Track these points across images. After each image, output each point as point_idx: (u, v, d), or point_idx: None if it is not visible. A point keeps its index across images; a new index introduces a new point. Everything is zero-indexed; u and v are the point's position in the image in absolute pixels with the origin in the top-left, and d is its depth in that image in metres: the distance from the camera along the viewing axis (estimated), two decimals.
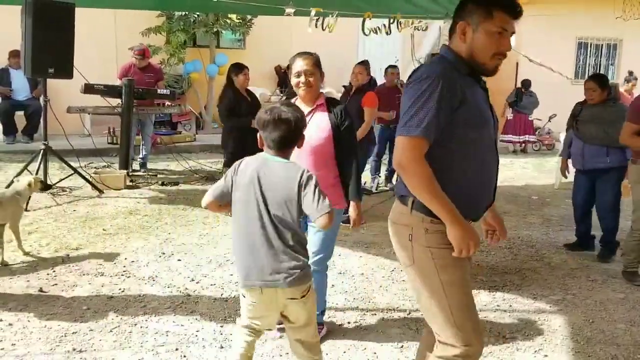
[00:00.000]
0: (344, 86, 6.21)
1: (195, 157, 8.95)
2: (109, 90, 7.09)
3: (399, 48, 13.09)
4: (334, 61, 10.59)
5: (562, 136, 8.44)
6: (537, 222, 6.18)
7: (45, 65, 6.08)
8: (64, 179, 6.82)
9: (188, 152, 9.30)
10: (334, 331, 3.50)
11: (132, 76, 7.44)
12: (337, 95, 11.87)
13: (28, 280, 4.10)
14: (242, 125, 5.66)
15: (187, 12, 10.44)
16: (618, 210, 4.93)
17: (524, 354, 3.30)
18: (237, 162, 2.53)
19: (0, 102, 9.34)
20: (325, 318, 3.67)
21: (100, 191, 6.63)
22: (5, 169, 7.70)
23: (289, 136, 2.47)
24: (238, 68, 5.89)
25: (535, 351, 3.34)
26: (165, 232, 5.38)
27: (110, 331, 3.40)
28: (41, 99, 6.73)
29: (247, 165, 2.49)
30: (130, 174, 7.31)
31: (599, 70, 13.37)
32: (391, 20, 7.49)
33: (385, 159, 7.68)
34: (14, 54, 9.00)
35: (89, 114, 7.99)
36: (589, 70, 13.36)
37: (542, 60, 9.62)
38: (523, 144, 11.66)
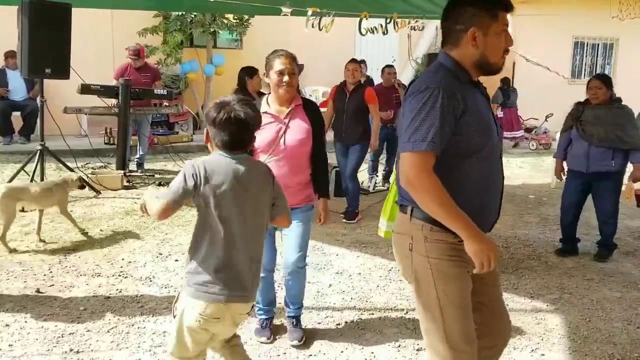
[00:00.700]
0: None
1: (193, 157, 8.93)
2: (105, 91, 7.08)
3: (395, 48, 13.10)
4: (331, 61, 10.61)
5: (559, 135, 8.48)
6: (534, 222, 6.20)
7: (42, 65, 6.06)
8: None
9: (185, 152, 9.29)
10: (331, 331, 3.50)
11: (129, 76, 7.43)
12: None
13: (25, 281, 4.09)
14: None
15: (184, 12, 10.43)
16: (617, 213, 4.88)
17: (521, 353, 3.31)
18: (196, 165, 2.28)
19: None
20: (323, 317, 3.68)
21: (97, 192, 6.62)
22: (2, 169, 7.68)
23: (243, 137, 2.31)
24: (252, 71, 5.74)
25: (532, 350, 3.35)
26: (162, 232, 5.38)
27: (108, 332, 3.40)
28: (38, 99, 6.72)
29: (212, 166, 2.28)
30: (127, 174, 7.30)
31: (595, 70, 13.40)
32: (388, 20, 7.49)
33: (382, 158, 7.68)
34: (10, 54, 8.99)
35: (85, 114, 7.98)
36: (585, 69, 13.40)
37: (539, 59, 9.65)
38: (517, 140, 11.83)
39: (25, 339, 3.27)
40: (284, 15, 6.78)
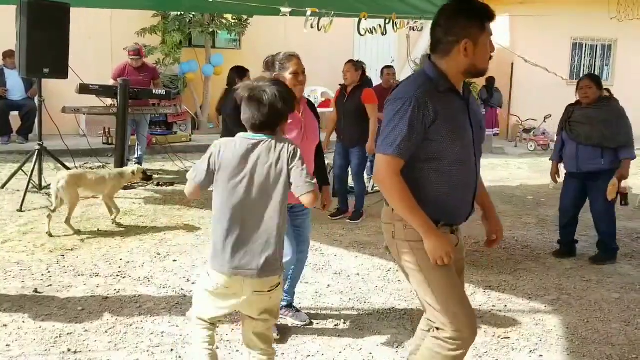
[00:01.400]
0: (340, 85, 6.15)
1: (191, 157, 8.93)
2: (104, 91, 7.07)
3: (394, 48, 13.11)
4: (330, 62, 10.60)
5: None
6: (533, 223, 6.20)
7: (40, 65, 6.06)
8: None
9: (184, 152, 9.27)
10: (330, 331, 3.50)
11: (127, 76, 7.43)
12: (332, 95, 11.90)
13: (23, 281, 4.08)
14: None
15: (182, 12, 10.42)
16: (613, 214, 4.86)
17: (519, 354, 3.31)
18: (215, 145, 2.41)
19: None
20: (322, 318, 3.68)
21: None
22: (0, 169, 7.67)
23: (263, 118, 2.35)
24: (242, 73, 5.72)
25: (531, 351, 3.35)
26: (161, 232, 5.37)
27: (106, 332, 3.39)
28: (36, 99, 6.72)
29: (227, 146, 2.38)
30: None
31: (594, 71, 13.41)
32: (387, 21, 7.49)
33: None
34: (8, 54, 8.97)
35: (84, 114, 7.98)
36: (584, 70, 13.41)
37: (537, 60, 9.64)
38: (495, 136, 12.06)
39: (23, 339, 3.26)
40: (283, 15, 6.78)
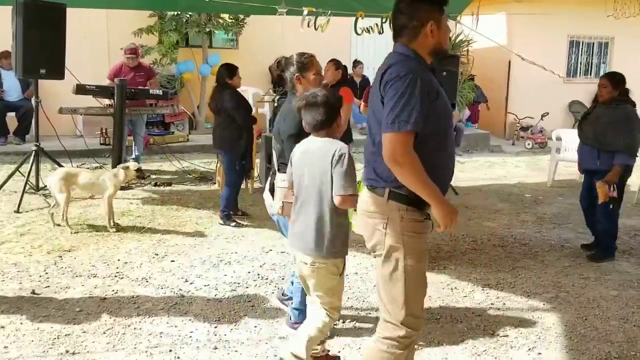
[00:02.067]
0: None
1: (188, 157, 8.93)
2: (101, 91, 7.05)
3: (391, 47, 13.09)
4: (327, 61, 10.58)
5: (555, 134, 8.50)
6: (530, 220, 6.20)
7: (36, 65, 6.04)
8: None
9: (181, 152, 9.26)
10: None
11: (123, 76, 7.41)
12: None
13: (20, 282, 4.07)
14: (249, 125, 5.73)
15: (179, 12, 10.40)
16: (611, 214, 4.80)
17: (517, 352, 3.31)
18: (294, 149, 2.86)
19: None
20: None
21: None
22: None
23: (313, 120, 2.72)
24: (232, 69, 5.69)
25: (529, 349, 3.35)
26: (159, 233, 5.36)
27: (104, 333, 3.39)
28: (33, 99, 6.69)
29: (298, 147, 2.84)
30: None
31: (591, 69, 13.42)
32: (383, 20, 7.49)
33: None
34: (5, 55, 8.94)
35: (81, 114, 7.95)
36: (580, 68, 13.41)
37: (534, 58, 9.63)
38: None
39: (21, 341, 3.26)
40: (280, 14, 6.78)
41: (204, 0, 6.93)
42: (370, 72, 12.07)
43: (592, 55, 13.59)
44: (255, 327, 3.53)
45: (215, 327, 3.50)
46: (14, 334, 3.33)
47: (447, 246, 5.19)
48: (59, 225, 5.32)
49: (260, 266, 4.58)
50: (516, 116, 12.31)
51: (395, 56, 2.33)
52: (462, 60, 11.35)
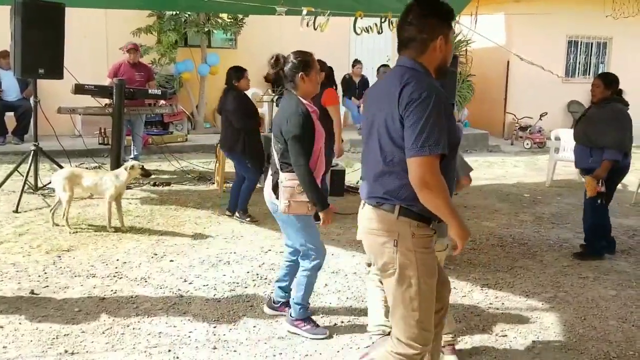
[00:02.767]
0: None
1: (187, 157, 8.93)
2: (99, 91, 7.04)
3: (390, 47, 13.10)
4: (326, 60, 10.58)
5: (554, 134, 8.51)
6: (529, 220, 6.21)
7: (35, 65, 6.04)
8: None
9: (180, 152, 9.27)
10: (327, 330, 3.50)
11: (123, 75, 7.41)
12: None
13: (19, 283, 4.07)
14: (254, 127, 5.73)
15: (178, 12, 10.40)
16: (598, 211, 4.81)
17: (516, 352, 3.31)
18: None
19: None
20: (319, 317, 3.67)
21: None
22: None
23: None
24: (240, 71, 5.69)
25: (528, 348, 3.35)
26: (157, 232, 5.36)
27: (103, 333, 3.39)
28: (31, 99, 6.69)
29: None
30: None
31: (589, 69, 13.44)
32: (382, 20, 7.49)
33: None
34: (3, 55, 8.93)
35: (79, 114, 7.93)
36: (579, 68, 13.43)
37: (533, 58, 9.64)
38: None
39: (20, 341, 3.25)
40: (279, 14, 6.78)
41: (202, 0, 6.93)
42: (369, 71, 12.07)
43: (590, 55, 13.61)
44: (254, 327, 3.53)
45: (214, 327, 3.50)
46: (13, 334, 3.33)
47: None
48: (57, 225, 5.32)
49: (259, 266, 4.58)
50: (515, 116, 12.32)
51: (407, 72, 2.24)
52: (460, 60, 11.36)
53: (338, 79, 11.75)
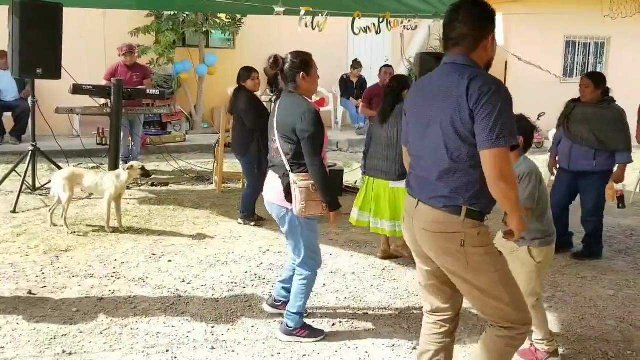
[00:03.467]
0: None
1: (186, 157, 8.92)
2: (97, 91, 7.03)
3: (388, 47, 13.11)
4: (324, 61, 10.57)
5: (551, 134, 8.51)
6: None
7: (33, 65, 6.02)
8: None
9: (178, 152, 9.26)
10: (325, 330, 3.49)
11: (119, 76, 7.39)
12: (328, 95, 11.90)
13: (17, 283, 4.06)
14: (259, 128, 5.67)
15: (176, 12, 10.39)
16: (601, 214, 4.88)
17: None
18: None
19: None
20: (317, 317, 3.67)
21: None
22: None
23: None
24: (249, 72, 5.67)
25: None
26: (156, 233, 5.35)
27: (101, 333, 3.38)
28: (29, 99, 6.68)
29: None
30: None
31: (587, 69, 13.44)
32: (381, 20, 7.50)
33: None
34: (1, 55, 8.91)
35: (77, 114, 7.92)
36: (577, 68, 13.44)
37: (531, 59, 9.64)
38: None
39: (17, 341, 3.25)
40: (277, 14, 6.77)
41: (201, 0, 6.92)
42: (367, 71, 12.08)
43: (588, 56, 13.62)
44: (252, 327, 3.53)
45: (213, 327, 3.50)
46: (11, 334, 3.33)
47: None
48: (55, 225, 5.31)
49: (258, 266, 4.57)
50: None
51: (465, 68, 2.26)
52: None
53: (336, 79, 11.77)
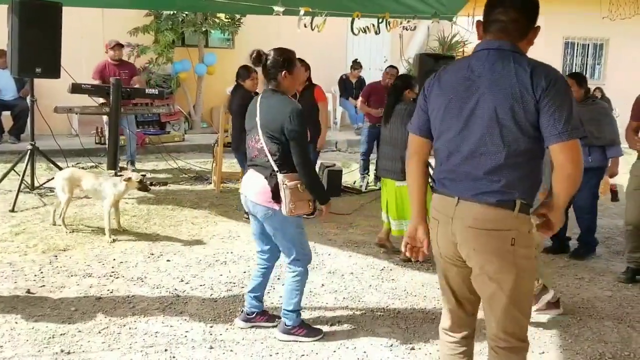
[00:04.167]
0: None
1: (184, 157, 8.92)
2: (96, 90, 7.03)
3: (387, 48, 13.12)
4: (323, 61, 10.59)
5: None
6: None
7: (32, 64, 6.02)
8: (51, 179, 6.75)
9: (177, 152, 9.25)
10: (324, 330, 3.50)
11: (108, 74, 7.37)
12: (327, 95, 11.90)
13: (15, 282, 4.06)
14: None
15: (175, 12, 10.39)
16: (594, 211, 4.95)
17: None
18: None
19: None
20: (316, 317, 3.67)
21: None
22: None
23: None
24: (247, 71, 5.70)
25: None
26: (154, 232, 5.36)
27: (99, 332, 3.38)
28: (28, 98, 6.67)
29: None
30: (119, 174, 7.26)
31: (586, 70, 13.49)
32: (380, 20, 7.51)
33: (373, 158, 7.69)
34: (0, 54, 8.91)
35: (76, 114, 7.92)
36: (575, 69, 13.47)
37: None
38: None
39: (16, 340, 3.25)
40: (276, 14, 6.78)
41: (200, 0, 6.93)
42: (366, 72, 12.08)
43: (587, 57, 13.67)
44: (250, 327, 3.53)
45: (211, 327, 3.50)
46: (9, 333, 3.33)
47: None
48: (56, 224, 5.31)
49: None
50: None
51: (521, 57, 2.11)
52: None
53: (335, 79, 11.76)
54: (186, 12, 10.49)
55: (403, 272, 4.53)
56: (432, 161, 2.38)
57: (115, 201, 5.18)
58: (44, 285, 4.02)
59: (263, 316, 3.52)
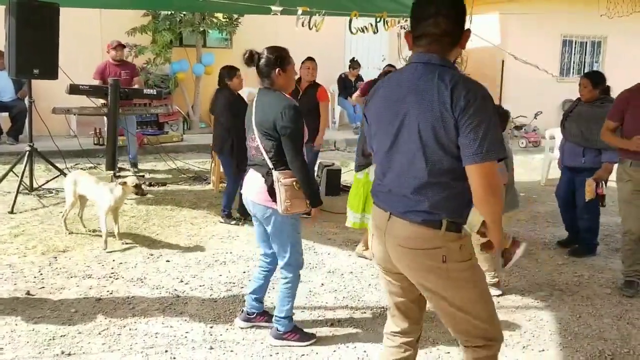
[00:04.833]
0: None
1: (183, 157, 8.92)
2: (94, 91, 7.02)
3: (386, 47, 13.12)
4: (322, 60, 10.56)
5: (548, 133, 8.53)
6: (524, 219, 6.23)
7: (30, 66, 6.02)
8: (50, 180, 6.76)
9: (175, 152, 9.25)
10: (324, 330, 3.50)
11: (109, 74, 7.37)
12: None
13: (15, 284, 4.06)
14: (234, 128, 5.66)
15: (173, 12, 10.38)
16: (594, 211, 4.91)
17: (512, 350, 3.33)
18: None
19: None
20: (316, 316, 3.68)
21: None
22: None
23: None
24: (232, 71, 5.68)
25: (524, 347, 3.37)
26: (153, 233, 5.35)
27: (99, 333, 3.38)
28: (26, 100, 6.66)
29: None
30: (117, 175, 7.25)
31: (584, 68, 13.49)
32: (378, 19, 7.51)
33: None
34: None
35: (74, 114, 7.92)
36: (573, 67, 13.48)
37: (528, 58, 9.67)
38: None
39: (16, 342, 3.25)
40: (274, 14, 6.77)
41: (198, 0, 6.92)
42: (365, 71, 12.09)
43: (585, 54, 13.67)
44: (250, 327, 3.53)
45: (211, 327, 3.50)
46: (9, 335, 3.33)
47: None
48: (69, 231, 5.23)
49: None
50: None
51: (444, 70, 2.03)
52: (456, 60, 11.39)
53: (333, 78, 11.76)
54: (184, 12, 10.47)
55: None
56: None
57: (114, 207, 4.97)
58: (43, 287, 4.02)
59: (263, 316, 3.53)
